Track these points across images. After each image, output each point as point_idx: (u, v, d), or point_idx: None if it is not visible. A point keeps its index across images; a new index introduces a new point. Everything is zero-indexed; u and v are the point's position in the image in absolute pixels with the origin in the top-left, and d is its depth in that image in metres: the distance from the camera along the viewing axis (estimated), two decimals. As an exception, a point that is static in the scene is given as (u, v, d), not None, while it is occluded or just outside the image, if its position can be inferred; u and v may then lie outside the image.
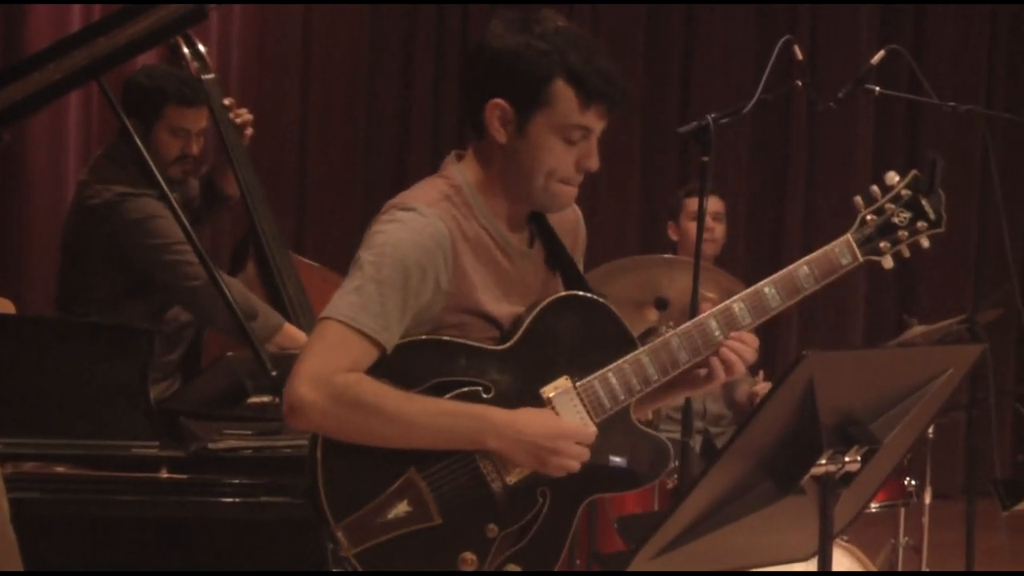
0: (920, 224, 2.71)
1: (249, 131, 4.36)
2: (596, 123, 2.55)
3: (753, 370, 5.06)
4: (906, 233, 2.71)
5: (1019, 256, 7.92)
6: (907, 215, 2.71)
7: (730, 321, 2.64)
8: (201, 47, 4.29)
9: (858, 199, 2.72)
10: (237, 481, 3.17)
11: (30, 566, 2.38)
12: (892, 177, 2.73)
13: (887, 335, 6.84)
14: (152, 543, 3.14)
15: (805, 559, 2.66)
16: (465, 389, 2.50)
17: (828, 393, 2.39)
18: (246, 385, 3.49)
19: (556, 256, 2.69)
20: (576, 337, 2.59)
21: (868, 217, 2.70)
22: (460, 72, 7.18)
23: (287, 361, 2.69)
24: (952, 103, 4.27)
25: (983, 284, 5.08)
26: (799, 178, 8.20)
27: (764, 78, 3.57)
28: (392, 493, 2.47)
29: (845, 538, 4.14)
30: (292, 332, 4.04)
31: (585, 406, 2.56)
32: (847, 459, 2.47)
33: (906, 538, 4.82)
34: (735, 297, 2.66)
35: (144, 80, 4.22)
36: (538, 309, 2.57)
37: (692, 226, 5.16)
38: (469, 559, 2.50)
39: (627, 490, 2.71)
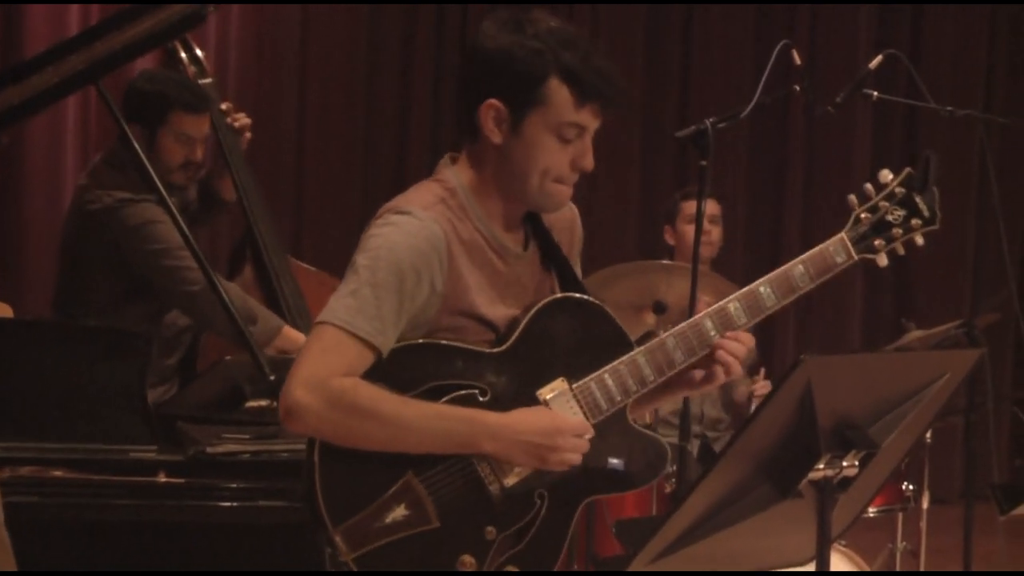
0: (914, 221, 2.71)
1: (248, 135, 4.36)
2: (591, 121, 2.54)
3: (752, 371, 5.06)
4: (900, 231, 2.70)
5: (1017, 260, 7.94)
6: (901, 212, 2.70)
7: (726, 321, 2.64)
8: (198, 51, 4.29)
9: (852, 197, 2.71)
10: (235, 485, 3.18)
11: (27, 570, 2.38)
12: (886, 175, 2.72)
13: (885, 339, 6.85)
14: (150, 547, 3.14)
15: (803, 563, 2.65)
16: (462, 392, 2.50)
17: (826, 397, 2.39)
18: (244, 389, 3.49)
19: (551, 257, 2.69)
20: (572, 339, 2.59)
21: (862, 215, 2.70)
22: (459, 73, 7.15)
23: (285, 365, 2.68)
24: (950, 108, 4.26)
25: (981, 288, 5.09)
26: (797, 181, 8.20)
27: (762, 82, 3.57)
28: (390, 497, 2.47)
29: (843, 542, 4.14)
30: (291, 334, 4.03)
31: (582, 407, 2.56)
32: (845, 463, 2.46)
33: (904, 542, 4.83)
34: (731, 297, 2.66)
35: (145, 85, 4.20)
36: (534, 311, 2.57)
37: (688, 229, 5.16)
38: (468, 562, 2.50)
39: (625, 491, 2.70)
